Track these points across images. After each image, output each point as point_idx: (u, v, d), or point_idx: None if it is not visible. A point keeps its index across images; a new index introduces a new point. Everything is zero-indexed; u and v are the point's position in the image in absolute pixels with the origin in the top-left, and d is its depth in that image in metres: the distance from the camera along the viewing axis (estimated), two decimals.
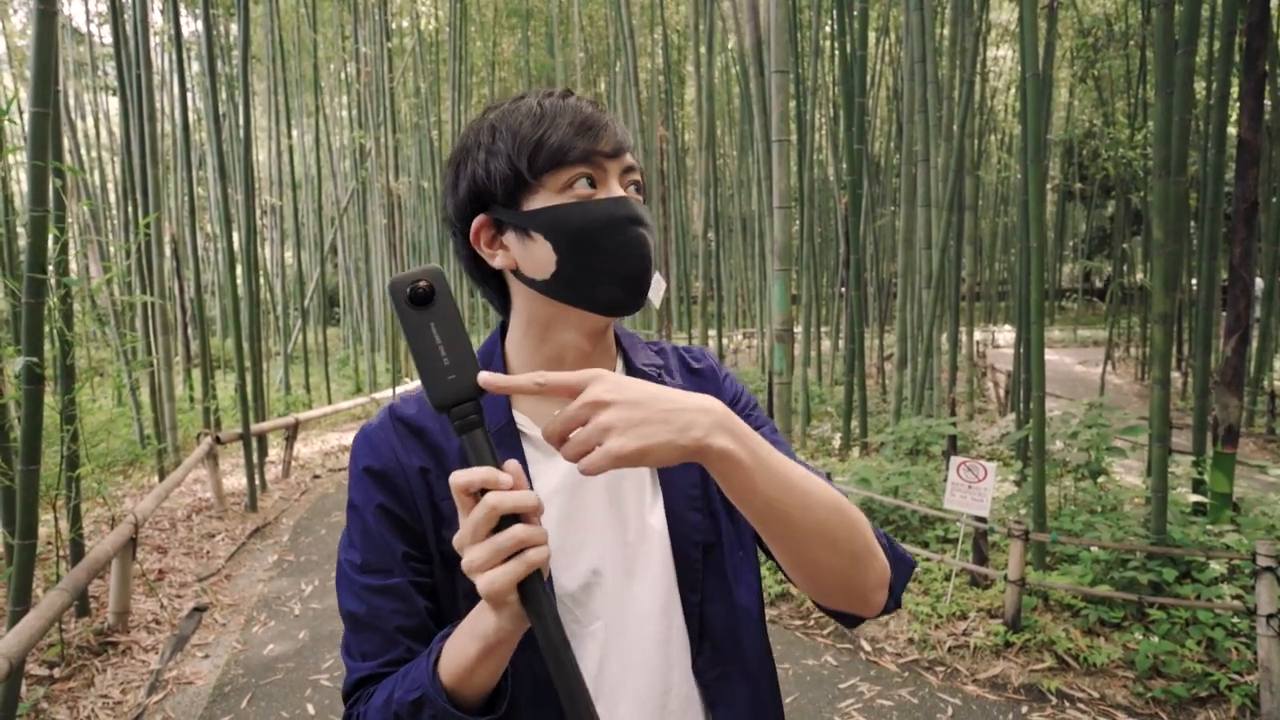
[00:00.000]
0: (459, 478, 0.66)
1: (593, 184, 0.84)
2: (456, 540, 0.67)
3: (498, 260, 0.88)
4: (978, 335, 17.04)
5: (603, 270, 0.83)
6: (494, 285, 0.93)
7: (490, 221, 0.88)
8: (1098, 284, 30.96)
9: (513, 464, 0.67)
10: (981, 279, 22.31)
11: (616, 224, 0.84)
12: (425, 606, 0.85)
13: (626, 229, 0.84)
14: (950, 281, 9.90)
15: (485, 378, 0.68)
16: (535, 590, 0.67)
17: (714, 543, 0.91)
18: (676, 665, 0.89)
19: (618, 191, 0.85)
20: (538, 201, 0.84)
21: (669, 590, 0.89)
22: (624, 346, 0.97)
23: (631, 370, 0.95)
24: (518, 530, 0.65)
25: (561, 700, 0.67)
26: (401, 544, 0.85)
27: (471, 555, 0.65)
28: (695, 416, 0.69)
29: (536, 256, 0.85)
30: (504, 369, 0.92)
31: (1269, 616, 3.08)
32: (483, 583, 0.65)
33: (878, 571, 0.84)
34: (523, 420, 0.89)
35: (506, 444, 0.87)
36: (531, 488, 0.76)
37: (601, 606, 0.87)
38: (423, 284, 0.68)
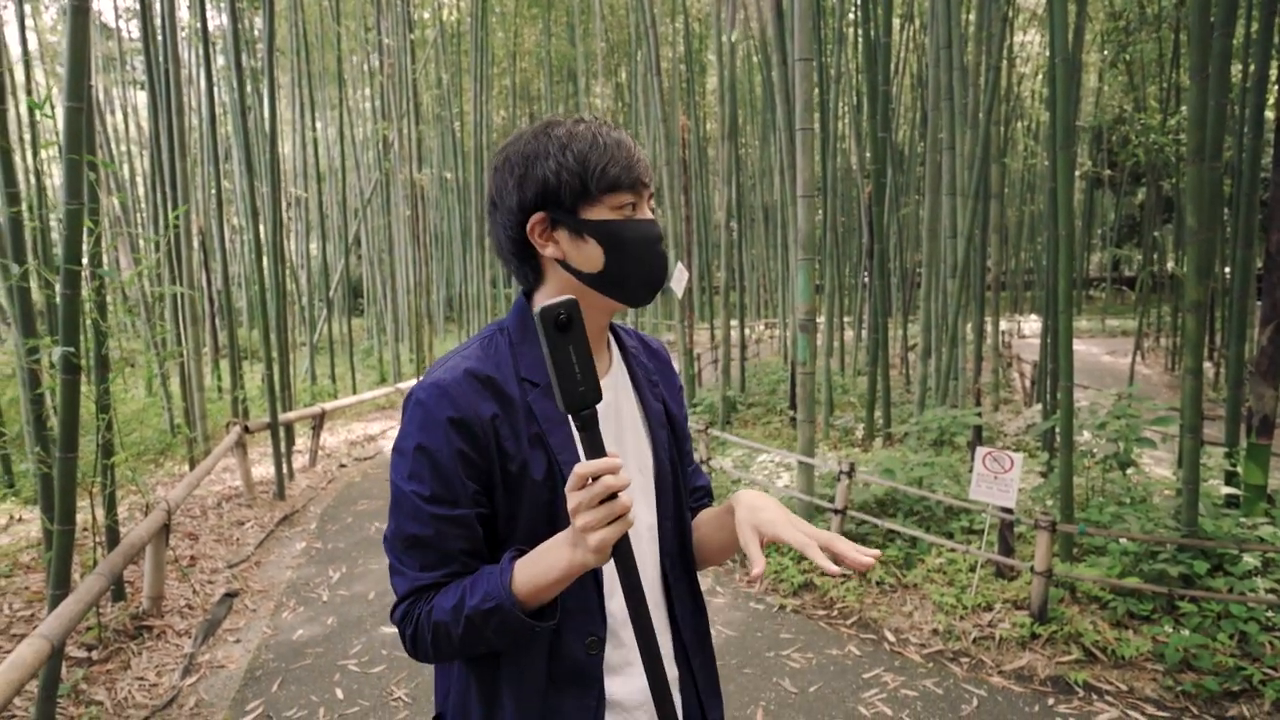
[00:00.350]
0: (584, 468, 0.89)
1: (634, 208, 1.11)
2: (573, 507, 0.90)
3: (548, 250, 1.11)
4: (1003, 325, 16.83)
5: (637, 275, 1.11)
6: (532, 265, 1.14)
7: (547, 219, 1.10)
8: (1127, 273, 30.43)
9: (616, 458, 0.90)
10: (1007, 268, 22.02)
11: (650, 241, 1.12)
12: (483, 533, 1.08)
13: (655, 245, 1.12)
14: (975, 271, 9.79)
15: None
16: (625, 543, 0.92)
17: (672, 482, 1.23)
18: (652, 565, 1.19)
19: (648, 215, 1.12)
20: (595, 214, 1.09)
21: (651, 511, 1.19)
22: (615, 329, 1.26)
23: (622, 347, 1.26)
24: (622, 502, 0.90)
25: (634, 626, 0.94)
26: (473, 484, 1.06)
27: (587, 519, 0.89)
28: None
29: (587, 255, 1.10)
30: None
31: None
32: (595, 540, 0.90)
33: None
34: None
35: (551, 395, 1.10)
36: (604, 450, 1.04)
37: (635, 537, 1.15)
38: (563, 315, 0.86)
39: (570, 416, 0.87)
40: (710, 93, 21.22)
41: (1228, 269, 9.06)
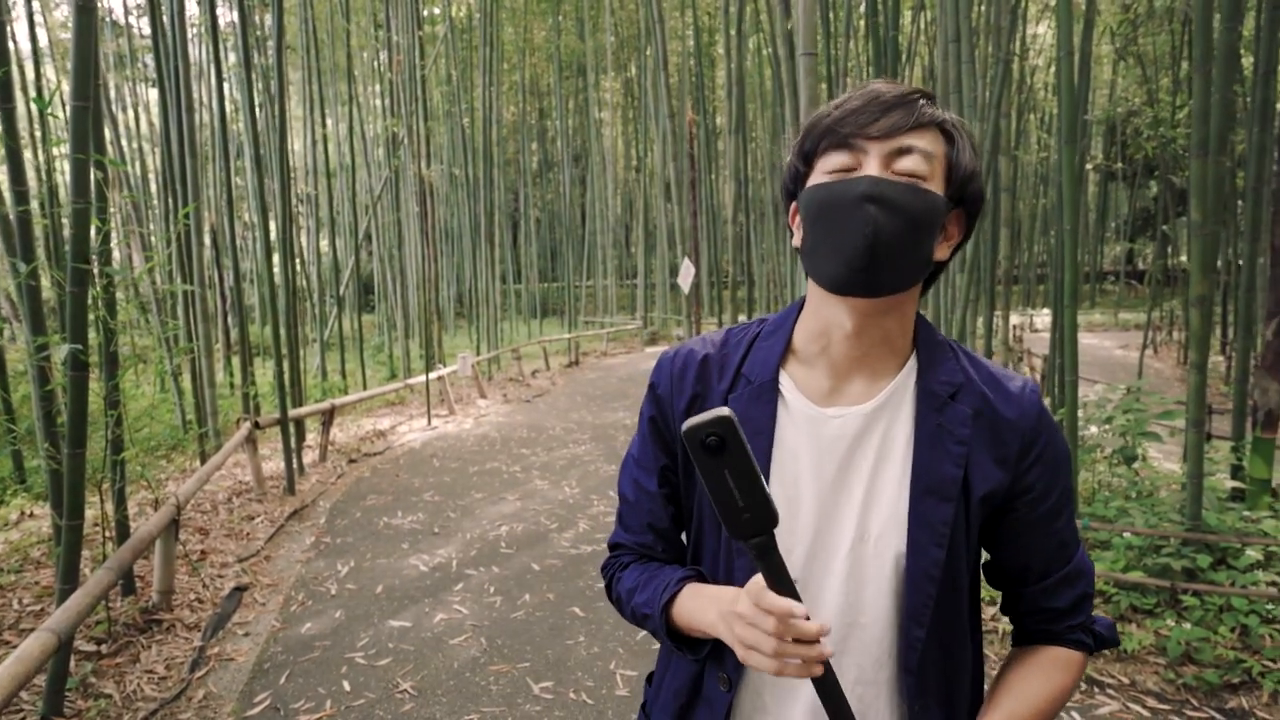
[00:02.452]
0: (765, 601, 0.76)
1: (847, 170, 0.89)
2: (740, 615, 0.80)
3: (795, 239, 0.97)
4: (1015, 319, 16.75)
5: (826, 246, 0.89)
6: None
7: (791, 205, 0.98)
8: (1141, 266, 30.20)
9: (800, 608, 0.76)
10: (1020, 262, 21.90)
11: (847, 202, 0.86)
12: (671, 513, 1.06)
13: (856, 207, 0.86)
14: (985, 264, 9.74)
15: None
16: (829, 676, 0.79)
17: (949, 581, 0.92)
18: (846, 677, 0.91)
19: (871, 171, 0.87)
20: (813, 179, 0.92)
21: (885, 612, 0.93)
22: (922, 358, 0.96)
23: (925, 385, 0.94)
24: (811, 652, 0.76)
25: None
26: (664, 456, 1.04)
27: (748, 639, 0.79)
28: None
29: (800, 232, 0.95)
30: (790, 337, 1.00)
31: None
32: (751, 661, 0.80)
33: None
34: (785, 382, 0.98)
35: (764, 398, 0.97)
36: (771, 444, 0.94)
37: (805, 579, 0.94)
38: (714, 437, 0.72)
39: (743, 544, 0.75)
40: (720, 87, 21.16)
41: (1242, 262, 9.00)
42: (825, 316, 0.94)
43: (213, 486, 6.79)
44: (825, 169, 0.90)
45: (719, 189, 17.89)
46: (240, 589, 4.71)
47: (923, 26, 13.86)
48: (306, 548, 5.53)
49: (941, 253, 0.93)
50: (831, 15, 10.91)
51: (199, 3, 11.33)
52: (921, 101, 0.90)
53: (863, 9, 11.08)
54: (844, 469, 0.93)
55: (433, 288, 12.29)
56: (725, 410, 0.72)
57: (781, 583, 0.75)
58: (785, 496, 0.93)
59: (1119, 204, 30.50)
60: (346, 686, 3.59)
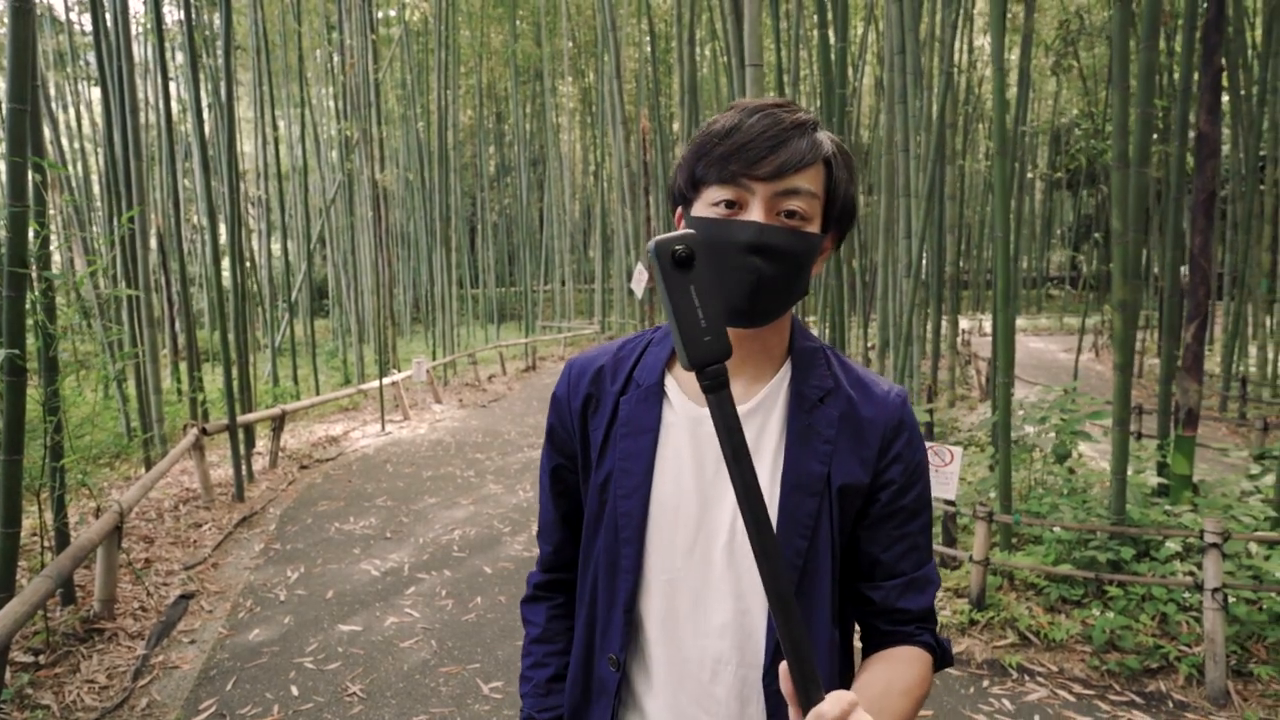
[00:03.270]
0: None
1: (731, 205, 0.92)
2: None
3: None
4: (965, 324, 17.19)
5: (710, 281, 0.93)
6: None
7: (679, 211, 1.02)
8: (1086, 271, 31.21)
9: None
10: (970, 268, 22.46)
11: (732, 247, 0.91)
12: (564, 511, 1.14)
13: (741, 255, 0.91)
14: (933, 270, 10.01)
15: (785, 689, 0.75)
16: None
17: (811, 569, 0.97)
18: (731, 662, 0.98)
19: (756, 215, 0.91)
20: (697, 208, 0.96)
21: (757, 597, 0.97)
22: (797, 364, 1.03)
23: (798, 391, 1.00)
24: None
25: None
26: (558, 456, 1.12)
27: None
28: None
29: None
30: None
31: (1214, 590, 3.20)
32: None
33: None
34: (670, 384, 1.04)
35: (650, 400, 1.03)
36: (655, 442, 1.00)
37: (683, 570, 0.99)
38: (681, 247, 0.70)
39: (696, 375, 0.72)
40: (678, 93, 21.35)
41: (1164, 269, 9.39)
42: None
43: (159, 494, 6.67)
44: (711, 200, 0.93)
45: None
46: (186, 597, 4.65)
47: (873, 39, 14.18)
48: (255, 554, 5.47)
49: (815, 270, 1.00)
50: (784, 24, 11.11)
51: (144, 1, 11.11)
52: (808, 138, 0.92)
53: (814, 19, 11.32)
54: (721, 466, 0.98)
55: (388, 292, 12.19)
56: (692, 230, 0.73)
57: (729, 419, 0.71)
58: (669, 493, 0.99)
59: (1065, 212, 31.48)
60: (294, 691, 3.58)
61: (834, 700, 0.72)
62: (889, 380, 1.09)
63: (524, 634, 1.21)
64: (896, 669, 0.98)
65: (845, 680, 1.05)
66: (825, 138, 0.95)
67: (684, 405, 1.02)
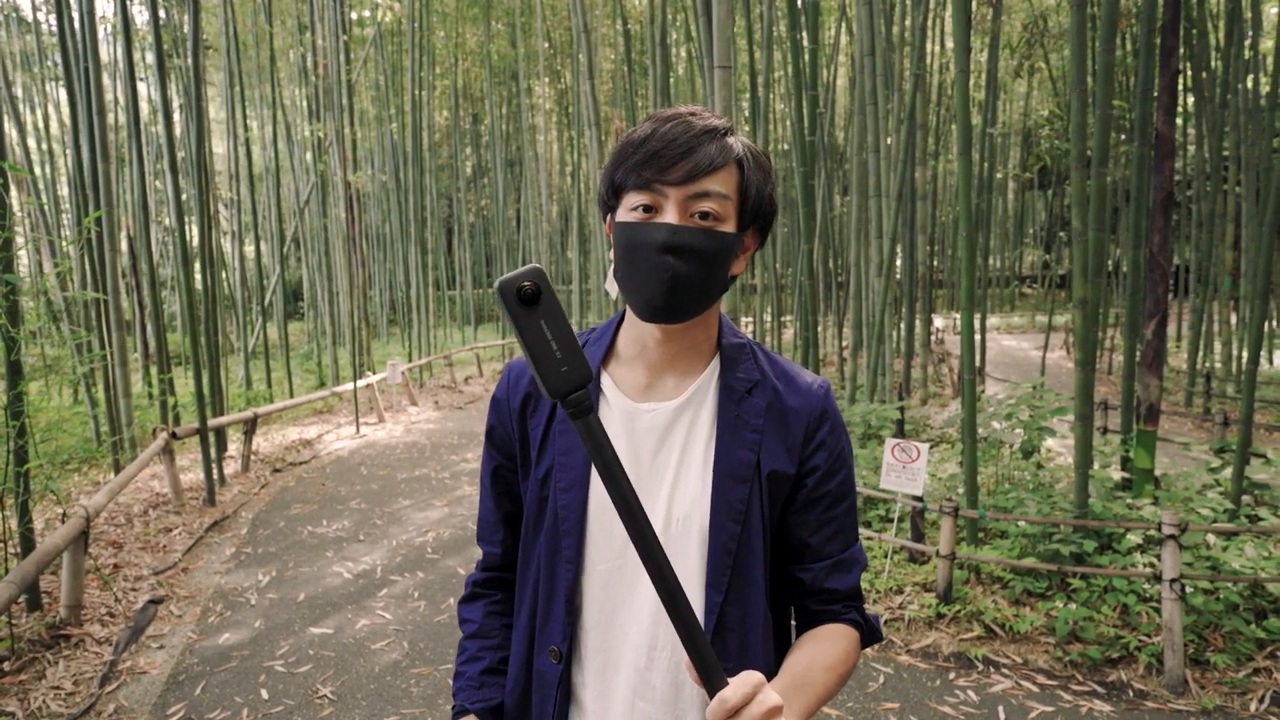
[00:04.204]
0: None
1: (647, 209, 0.97)
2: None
3: (612, 254, 1.05)
4: (939, 322, 17.38)
5: (631, 282, 0.99)
6: None
7: (607, 218, 1.07)
8: (1060, 271, 31.65)
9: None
10: (944, 267, 22.70)
11: (647, 248, 0.96)
12: (506, 512, 1.18)
13: (656, 254, 0.96)
14: (906, 269, 10.13)
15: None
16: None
17: (745, 552, 1.02)
18: (665, 648, 1.02)
19: (669, 218, 0.96)
20: (620, 214, 1.01)
21: (693, 581, 1.01)
22: (725, 358, 1.08)
23: (726, 384, 1.05)
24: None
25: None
26: (499, 456, 1.14)
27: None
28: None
29: (613, 256, 1.04)
30: (612, 345, 1.12)
31: (1172, 581, 3.28)
32: None
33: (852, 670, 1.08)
34: (606, 381, 1.09)
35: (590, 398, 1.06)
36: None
37: (620, 559, 1.03)
38: (527, 284, 0.72)
39: (560, 404, 0.73)
40: (652, 96, 21.36)
41: (1126, 268, 9.57)
42: (641, 327, 1.07)
43: (128, 499, 6.59)
44: (630, 206, 0.99)
45: None
46: (155, 602, 4.60)
47: (845, 41, 14.31)
48: (226, 558, 5.43)
49: (738, 268, 1.05)
50: (758, 26, 11.19)
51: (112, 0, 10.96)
52: (717, 142, 0.97)
53: (786, 21, 11.40)
54: (655, 457, 1.04)
55: (363, 294, 12.11)
56: (536, 265, 0.75)
57: (598, 439, 0.73)
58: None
59: (1036, 211, 31.91)
60: (265, 695, 3.56)
61: (737, 684, 0.77)
62: (812, 373, 1.15)
63: (460, 633, 1.23)
64: (821, 646, 1.03)
65: (780, 659, 1.08)
66: (736, 141, 1.00)
67: (619, 401, 1.07)
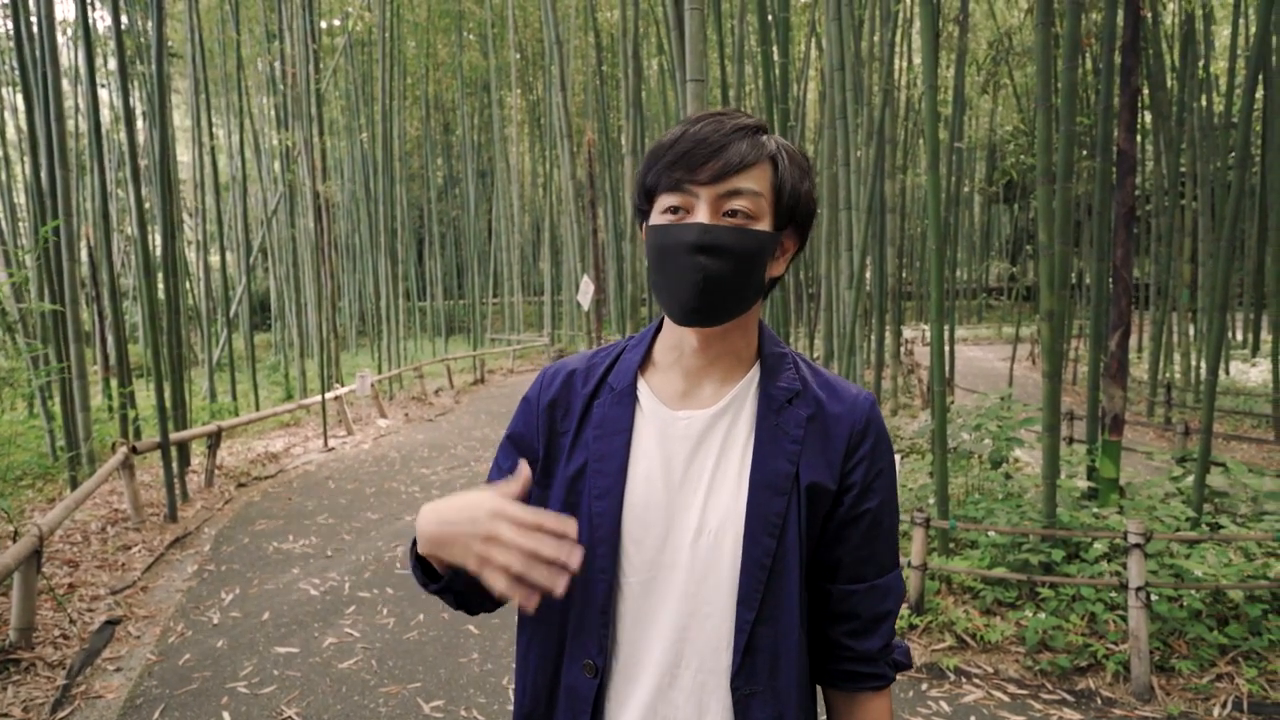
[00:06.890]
0: (530, 518, 0.84)
1: (677, 210, 0.96)
2: (499, 536, 0.84)
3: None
4: (909, 333, 17.59)
5: (665, 285, 0.98)
6: None
7: (641, 224, 1.05)
8: (1026, 283, 32.24)
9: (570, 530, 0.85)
10: (913, 279, 23.01)
11: (679, 249, 0.95)
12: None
13: (687, 254, 0.94)
14: (876, 281, 10.23)
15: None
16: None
17: (780, 568, 0.97)
18: (689, 666, 0.98)
19: (701, 217, 0.94)
20: (652, 218, 1.00)
21: (724, 596, 0.98)
22: (765, 367, 1.05)
23: (766, 392, 1.03)
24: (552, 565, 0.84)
25: None
26: (518, 455, 1.09)
27: (502, 559, 0.83)
28: None
29: (649, 261, 1.02)
30: (648, 353, 1.10)
31: (1138, 589, 3.32)
32: (487, 573, 0.85)
33: None
34: (642, 388, 1.07)
35: (624, 402, 1.05)
36: (629, 444, 1.02)
37: (651, 571, 0.99)
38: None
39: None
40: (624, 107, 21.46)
41: (1090, 280, 9.77)
42: (677, 333, 1.04)
43: (85, 516, 6.40)
44: (661, 208, 0.98)
45: (624, 207, 18.11)
46: (112, 622, 4.46)
47: (815, 56, 14.48)
48: (188, 576, 5.29)
49: (777, 269, 1.02)
50: (729, 40, 11.29)
51: (75, 3, 10.74)
52: (749, 140, 0.95)
53: (757, 36, 11.52)
54: (688, 465, 1.00)
55: (331, 306, 11.94)
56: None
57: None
58: (640, 493, 1.00)
59: (1002, 224, 32.51)
60: (227, 717, 3.46)
61: None
62: (859, 386, 1.12)
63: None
64: None
65: (811, 683, 1.06)
66: (770, 139, 0.98)
67: (655, 408, 1.04)
